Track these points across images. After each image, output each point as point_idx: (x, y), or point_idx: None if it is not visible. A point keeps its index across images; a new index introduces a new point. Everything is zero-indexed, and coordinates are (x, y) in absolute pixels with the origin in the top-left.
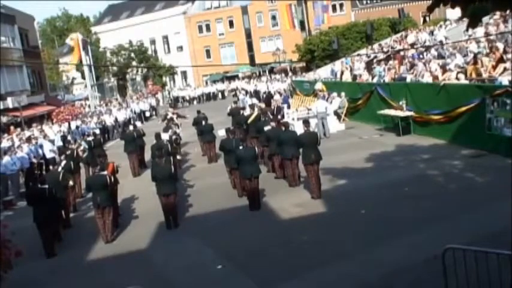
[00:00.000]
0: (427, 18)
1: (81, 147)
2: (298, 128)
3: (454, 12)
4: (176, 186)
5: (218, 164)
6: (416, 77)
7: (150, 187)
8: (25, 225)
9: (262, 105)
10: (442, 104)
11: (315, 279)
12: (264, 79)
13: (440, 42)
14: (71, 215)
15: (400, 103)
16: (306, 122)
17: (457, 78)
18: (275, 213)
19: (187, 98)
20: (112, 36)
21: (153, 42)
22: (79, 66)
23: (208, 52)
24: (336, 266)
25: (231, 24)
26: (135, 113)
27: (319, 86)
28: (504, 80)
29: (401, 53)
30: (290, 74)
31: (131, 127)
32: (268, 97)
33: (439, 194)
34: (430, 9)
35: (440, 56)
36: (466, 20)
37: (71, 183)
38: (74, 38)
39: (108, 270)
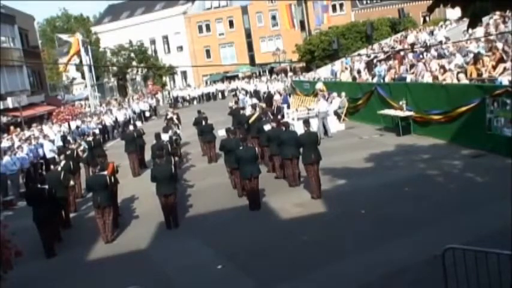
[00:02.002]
0: (427, 18)
1: (81, 147)
2: (298, 128)
3: (454, 12)
4: (176, 186)
5: (218, 164)
6: (416, 77)
7: (150, 187)
8: (25, 225)
9: (264, 105)
10: (442, 104)
11: (315, 279)
12: (264, 79)
13: (440, 42)
14: (71, 215)
15: (400, 103)
16: (306, 122)
17: (457, 79)
18: (275, 213)
19: (187, 98)
20: (112, 36)
21: (153, 42)
22: (79, 66)
23: (208, 52)
24: (336, 266)
25: (231, 24)
26: (135, 113)
27: (320, 85)
28: (504, 80)
29: (401, 53)
30: (290, 74)
31: (131, 127)
32: (270, 97)
33: (439, 194)
34: (430, 9)
35: (440, 56)
36: (466, 20)
37: (71, 183)
38: (74, 39)
39: (108, 270)
